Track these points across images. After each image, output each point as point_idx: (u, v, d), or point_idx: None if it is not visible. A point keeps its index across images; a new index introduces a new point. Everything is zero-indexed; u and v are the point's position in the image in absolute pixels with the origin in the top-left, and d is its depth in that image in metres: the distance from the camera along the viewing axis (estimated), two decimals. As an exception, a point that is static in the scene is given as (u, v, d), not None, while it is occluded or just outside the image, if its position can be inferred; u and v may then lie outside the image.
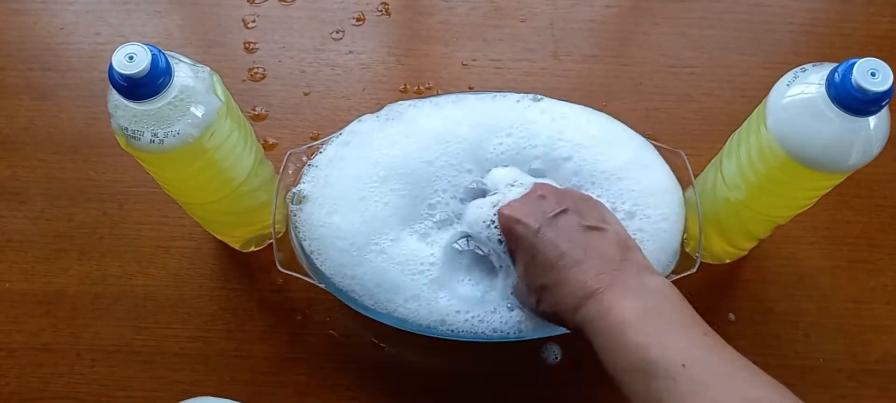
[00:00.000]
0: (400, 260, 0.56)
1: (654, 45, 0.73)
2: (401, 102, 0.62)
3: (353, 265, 0.56)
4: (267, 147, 0.68)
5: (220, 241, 0.64)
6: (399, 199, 0.58)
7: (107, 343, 0.62)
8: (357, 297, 0.56)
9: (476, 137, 0.59)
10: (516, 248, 0.51)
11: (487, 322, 0.56)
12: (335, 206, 0.58)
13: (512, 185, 0.55)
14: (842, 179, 0.48)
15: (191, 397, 0.56)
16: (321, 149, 0.61)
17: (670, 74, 0.72)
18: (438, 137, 0.59)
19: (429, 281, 0.56)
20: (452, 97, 0.62)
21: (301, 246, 0.57)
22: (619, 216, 0.54)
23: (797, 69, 0.47)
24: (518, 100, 0.61)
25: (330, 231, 0.57)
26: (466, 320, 0.56)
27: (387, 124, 0.60)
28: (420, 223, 0.58)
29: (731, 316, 0.62)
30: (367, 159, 0.59)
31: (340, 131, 0.61)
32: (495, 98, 0.62)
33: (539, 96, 0.61)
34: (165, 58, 0.44)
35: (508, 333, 0.56)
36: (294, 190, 0.58)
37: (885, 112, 0.44)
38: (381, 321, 0.56)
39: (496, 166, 0.59)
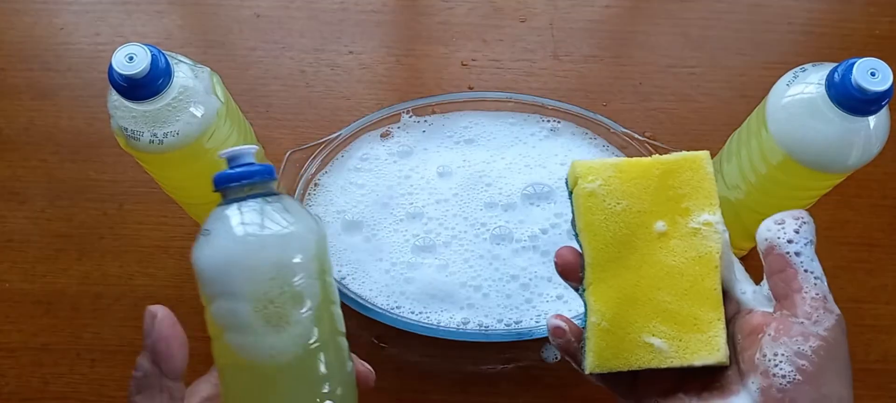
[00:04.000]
0: (410, 278, 0.57)
1: (654, 45, 0.73)
2: (411, 126, 0.63)
3: (360, 274, 0.57)
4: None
5: (220, 241, 0.64)
6: (413, 234, 0.59)
7: (107, 343, 0.62)
8: (358, 298, 0.56)
9: (497, 174, 0.61)
10: None
11: (486, 322, 0.57)
12: (346, 227, 0.59)
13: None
14: (842, 179, 0.48)
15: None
16: (327, 169, 0.61)
17: (670, 74, 0.72)
18: (457, 181, 0.61)
19: (430, 296, 0.57)
20: (464, 120, 0.63)
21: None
22: None
23: (797, 69, 0.47)
24: (533, 133, 0.62)
25: (340, 243, 0.58)
26: (465, 317, 0.56)
27: (401, 159, 0.61)
28: (432, 252, 0.58)
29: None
30: (379, 193, 0.60)
31: (340, 132, 0.61)
32: (513, 123, 0.63)
33: (557, 121, 0.62)
34: (165, 58, 0.44)
35: (508, 333, 0.56)
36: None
37: (884, 112, 0.44)
38: (381, 321, 0.56)
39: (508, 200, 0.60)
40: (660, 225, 0.41)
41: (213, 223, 0.39)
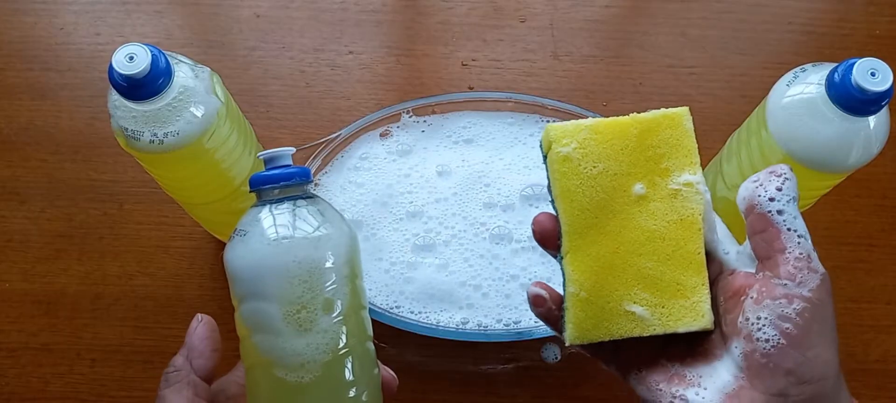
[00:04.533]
0: (409, 278, 0.57)
1: (654, 45, 0.73)
2: (410, 126, 0.62)
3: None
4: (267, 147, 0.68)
5: (220, 241, 0.64)
6: (413, 233, 0.59)
7: (107, 343, 0.62)
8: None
9: (495, 174, 0.61)
10: None
11: (485, 322, 0.56)
12: None
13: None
14: (842, 179, 0.48)
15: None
16: (327, 169, 0.61)
17: (670, 74, 0.72)
18: (456, 180, 0.61)
19: (430, 296, 0.57)
20: (463, 120, 0.63)
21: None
22: None
23: (797, 69, 0.47)
24: (531, 134, 0.62)
25: None
26: (464, 317, 0.56)
27: (400, 158, 0.61)
28: (432, 251, 0.58)
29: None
30: (378, 192, 0.60)
31: (340, 132, 0.61)
32: (512, 123, 0.63)
33: (557, 121, 0.62)
34: (165, 58, 0.44)
35: (508, 333, 0.56)
36: None
37: (884, 112, 0.44)
38: (381, 320, 0.56)
39: (509, 202, 0.60)
40: (638, 187, 0.40)
41: (248, 224, 0.39)
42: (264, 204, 0.40)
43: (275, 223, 0.39)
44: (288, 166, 0.41)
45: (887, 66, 0.41)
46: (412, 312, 0.57)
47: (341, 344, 0.38)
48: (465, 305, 0.57)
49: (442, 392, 0.61)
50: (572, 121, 0.41)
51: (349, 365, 0.39)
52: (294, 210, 0.39)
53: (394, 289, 0.57)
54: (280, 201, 0.40)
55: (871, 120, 0.44)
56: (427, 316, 0.56)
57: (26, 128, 0.69)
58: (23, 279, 0.64)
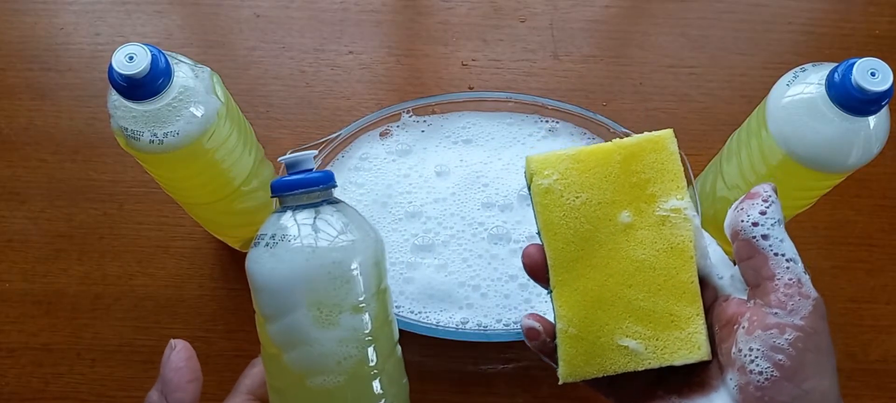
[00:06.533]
0: (409, 278, 0.57)
1: (654, 45, 0.73)
2: (410, 126, 0.62)
3: None
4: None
5: (220, 241, 0.64)
6: (412, 234, 0.59)
7: (107, 343, 0.62)
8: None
9: (494, 174, 0.61)
10: None
11: (485, 322, 0.57)
12: None
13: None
14: (841, 179, 0.48)
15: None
16: (327, 169, 0.61)
17: (670, 74, 0.72)
18: (454, 180, 0.61)
19: (429, 296, 0.57)
20: (462, 121, 0.63)
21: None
22: None
23: (797, 69, 0.47)
24: (530, 134, 0.62)
25: None
26: (464, 317, 0.56)
27: (400, 158, 0.61)
28: (431, 251, 0.58)
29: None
30: (378, 192, 0.60)
31: (340, 132, 0.61)
32: (512, 123, 0.63)
33: (556, 122, 0.62)
34: (165, 58, 0.44)
35: (507, 333, 0.56)
36: None
37: (884, 112, 0.44)
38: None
39: (508, 203, 0.59)
40: (625, 215, 0.38)
41: (275, 232, 0.38)
42: (286, 210, 0.38)
43: (304, 230, 0.37)
44: (311, 170, 0.39)
45: (887, 66, 0.41)
46: (412, 312, 0.57)
47: (373, 352, 0.38)
48: (464, 305, 0.57)
49: (442, 392, 0.61)
50: (553, 151, 0.40)
51: (380, 374, 0.38)
52: (321, 215, 0.38)
53: (394, 289, 0.57)
54: (308, 206, 0.38)
55: (871, 120, 0.44)
56: (427, 316, 0.57)
57: (26, 128, 0.69)
58: (23, 279, 0.64)
